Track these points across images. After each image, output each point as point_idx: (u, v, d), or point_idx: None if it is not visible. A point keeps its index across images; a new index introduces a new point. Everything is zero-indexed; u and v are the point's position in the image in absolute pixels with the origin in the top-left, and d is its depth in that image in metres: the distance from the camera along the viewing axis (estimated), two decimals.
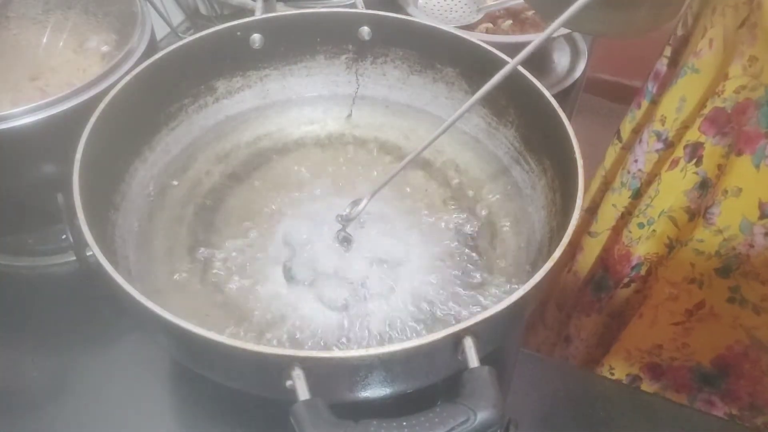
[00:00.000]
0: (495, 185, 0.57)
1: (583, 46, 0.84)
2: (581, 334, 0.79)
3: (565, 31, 0.77)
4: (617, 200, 0.73)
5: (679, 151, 0.62)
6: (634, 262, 0.70)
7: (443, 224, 0.55)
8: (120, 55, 0.53)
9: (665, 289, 0.65)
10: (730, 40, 0.57)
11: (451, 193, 0.57)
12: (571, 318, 0.81)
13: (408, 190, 0.57)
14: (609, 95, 1.76)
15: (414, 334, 0.47)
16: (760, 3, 0.52)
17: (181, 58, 0.55)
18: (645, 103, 0.73)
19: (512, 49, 0.73)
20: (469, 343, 0.36)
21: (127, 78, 0.50)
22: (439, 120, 0.62)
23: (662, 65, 0.70)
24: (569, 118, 0.49)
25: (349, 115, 0.63)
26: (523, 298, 0.38)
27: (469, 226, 0.55)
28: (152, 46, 0.57)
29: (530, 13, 0.81)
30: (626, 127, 0.76)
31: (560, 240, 0.41)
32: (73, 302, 0.55)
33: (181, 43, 0.55)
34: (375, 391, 0.39)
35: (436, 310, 0.49)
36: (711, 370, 0.67)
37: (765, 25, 0.52)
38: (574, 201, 0.44)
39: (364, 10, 0.60)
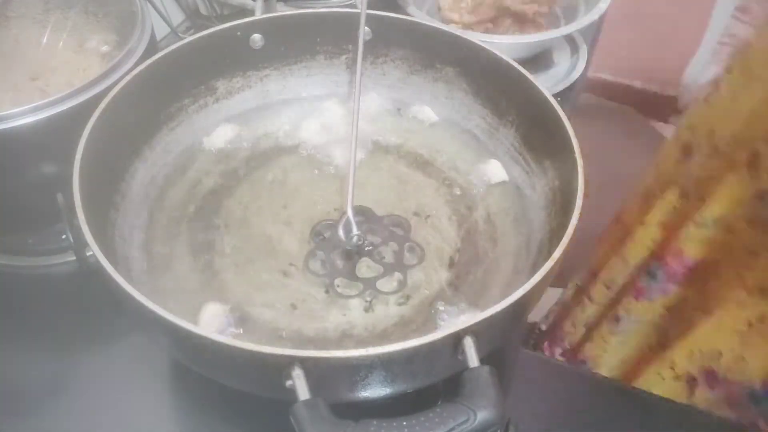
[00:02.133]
0: (495, 185, 0.57)
1: (583, 46, 0.84)
2: (632, 316, 0.78)
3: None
4: (669, 196, 0.72)
5: (740, 156, 0.61)
6: (689, 263, 0.69)
7: (443, 224, 0.55)
8: (120, 55, 0.53)
9: (735, 292, 0.63)
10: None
11: (451, 193, 0.57)
12: (621, 300, 0.79)
13: (408, 190, 0.57)
14: (609, 95, 1.76)
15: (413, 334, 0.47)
16: None
17: (181, 58, 0.55)
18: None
19: (512, 49, 0.74)
20: (469, 343, 0.36)
21: (127, 78, 0.50)
22: (438, 120, 0.62)
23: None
24: (569, 118, 0.49)
25: (349, 115, 0.63)
26: (523, 298, 0.38)
27: (469, 226, 0.55)
28: (152, 46, 0.57)
29: (531, 12, 0.81)
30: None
31: (560, 240, 0.41)
32: (73, 302, 0.55)
33: (181, 43, 0.55)
34: (375, 391, 0.39)
35: (435, 310, 0.49)
36: (760, 391, 0.64)
37: None
38: (574, 201, 0.44)
39: (364, 10, 0.60)
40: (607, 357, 0.82)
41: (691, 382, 0.70)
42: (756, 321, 0.62)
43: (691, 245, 0.68)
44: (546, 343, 0.96)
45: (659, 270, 0.73)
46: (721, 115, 0.66)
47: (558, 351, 0.92)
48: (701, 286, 0.70)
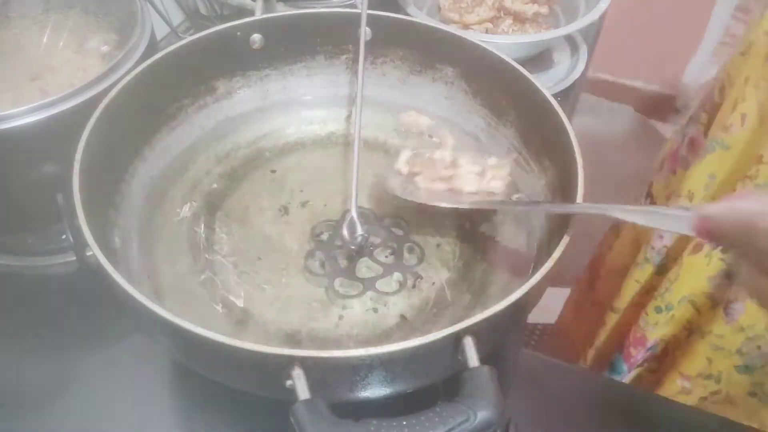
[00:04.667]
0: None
1: (583, 46, 0.84)
2: None
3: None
4: (640, 275, 0.70)
5: None
6: (649, 345, 0.68)
7: (443, 224, 0.55)
8: (120, 55, 0.53)
9: (677, 381, 0.62)
10: (766, 118, 0.53)
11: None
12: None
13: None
14: (609, 95, 1.76)
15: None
16: None
17: (181, 58, 0.55)
18: (680, 171, 0.68)
19: (512, 49, 0.74)
20: (469, 343, 0.36)
21: (127, 78, 0.50)
22: (438, 119, 0.62)
23: (698, 133, 0.65)
24: (569, 118, 0.49)
25: (349, 116, 0.63)
26: (523, 298, 0.38)
27: (469, 225, 0.55)
28: (152, 46, 0.57)
29: (530, 12, 0.81)
30: (659, 193, 0.72)
31: (560, 240, 0.41)
32: (73, 302, 0.55)
33: (181, 43, 0.55)
34: (375, 390, 0.39)
35: (436, 310, 0.49)
36: None
37: None
38: (574, 201, 0.44)
39: (365, 10, 0.60)
40: None
41: None
42: (710, 395, 0.62)
43: (655, 329, 0.66)
44: None
45: (620, 362, 0.72)
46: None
47: None
48: (656, 365, 0.69)
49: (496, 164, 0.54)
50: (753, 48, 0.55)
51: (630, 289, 0.72)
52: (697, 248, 0.60)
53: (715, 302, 0.61)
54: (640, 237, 0.74)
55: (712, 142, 0.58)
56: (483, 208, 0.53)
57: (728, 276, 0.59)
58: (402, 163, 0.55)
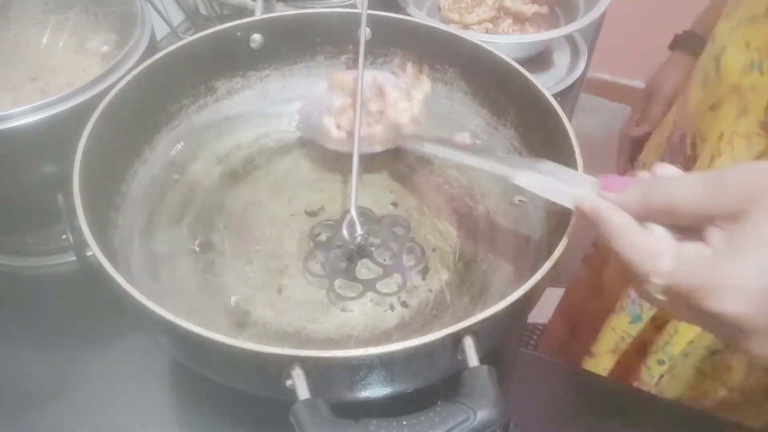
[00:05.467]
0: (495, 185, 0.57)
1: (583, 46, 0.84)
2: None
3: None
4: (617, 324, 0.69)
5: None
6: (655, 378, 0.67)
7: (443, 224, 0.55)
8: (120, 55, 0.53)
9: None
10: None
11: (451, 193, 0.57)
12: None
13: (408, 190, 0.57)
14: (609, 95, 1.76)
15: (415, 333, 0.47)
16: None
17: (181, 58, 0.55)
18: None
19: (512, 49, 0.74)
20: (468, 343, 0.36)
21: (127, 78, 0.50)
22: (438, 119, 0.62)
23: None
24: (569, 118, 0.49)
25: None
26: (523, 298, 0.38)
27: (469, 225, 0.55)
28: (152, 46, 0.57)
29: (530, 12, 0.81)
30: None
31: (560, 240, 0.41)
32: (73, 302, 0.55)
33: (181, 43, 0.55)
34: (375, 390, 0.39)
35: (436, 310, 0.49)
36: None
37: None
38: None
39: (365, 11, 0.60)
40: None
41: None
42: None
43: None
44: None
45: None
46: None
47: None
48: None
49: (415, 81, 0.56)
50: (724, 104, 0.56)
51: (607, 336, 0.71)
52: None
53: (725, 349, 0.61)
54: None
55: None
56: (416, 149, 0.56)
57: None
58: (331, 125, 0.56)
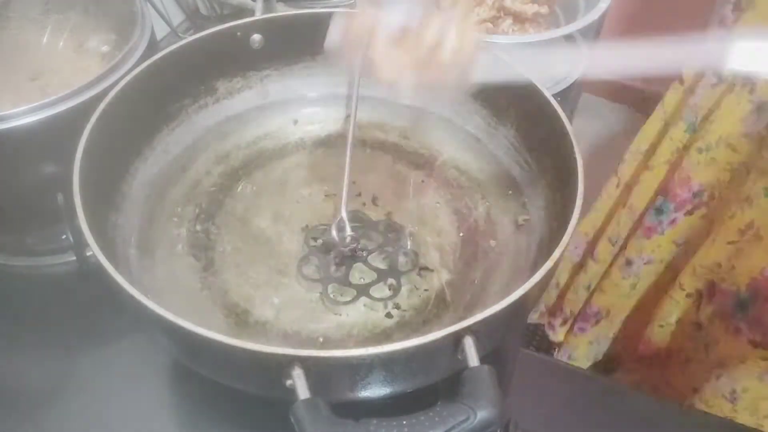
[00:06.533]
0: (495, 185, 0.57)
1: (583, 47, 0.84)
2: (643, 255, 0.84)
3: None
4: (675, 133, 0.77)
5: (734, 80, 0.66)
6: (695, 189, 0.75)
7: (443, 224, 0.55)
8: (120, 55, 0.53)
9: (728, 207, 0.69)
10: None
11: (451, 193, 0.57)
12: (630, 242, 0.85)
13: (407, 189, 0.57)
14: (609, 95, 1.76)
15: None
16: None
17: (181, 58, 0.55)
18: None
19: (512, 49, 0.74)
20: (469, 343, 0.36)
21: (127, 78, 0.50)
22: (438, 119, 0.62)
23: (727, 11, 0.72)
24: (569, 118, 0.49)
25: (350, 116, 0.63)
26: (523, 298, 0.38)
27: (469, 225, 0.55)
28: (152, 46, 0.57)
29: (530, 12, 0.81)
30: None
31: (560, 240, 0.41)
32: (73, 302, 0.55)
33: (181, 43, 0.55)
34: (375, 390, 0.39)
35: (436, 310, 0.49)
36: (745, 295, 0.70)
37: None
38: (574, 201, 0.44)
39: None
40: (622, 302, 0.89)
41: (698, 297, 0.77)
42: (745, 228, 0.69)
43: (698, 169, 0.74)
44: (547, 322, 1.00)
45: (666, 204, 0.79)
46: None
47: (558, 321, 0.96)
48: (706, 211, 0.76)
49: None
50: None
51: (665, 147, 0.80)
52: (728, 91, 0.68)
53: (755, 141, 0.68)
54: None
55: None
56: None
57: (760, 110, 0.66)
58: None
